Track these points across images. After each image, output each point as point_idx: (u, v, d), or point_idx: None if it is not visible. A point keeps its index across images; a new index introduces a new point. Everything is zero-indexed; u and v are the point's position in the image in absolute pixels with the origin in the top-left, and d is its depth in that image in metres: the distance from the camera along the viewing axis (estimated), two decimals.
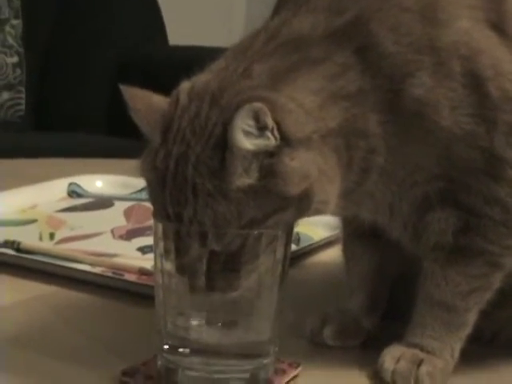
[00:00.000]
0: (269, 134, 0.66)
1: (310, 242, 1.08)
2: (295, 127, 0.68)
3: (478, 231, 0.74)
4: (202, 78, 0.71)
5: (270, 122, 0.66)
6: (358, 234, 0.83)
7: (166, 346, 0.72)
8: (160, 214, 0.69)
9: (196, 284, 0.68)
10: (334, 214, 0.83)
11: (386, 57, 0.71)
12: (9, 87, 2.45)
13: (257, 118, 0.65)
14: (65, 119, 2.46)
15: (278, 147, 0.67)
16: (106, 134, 2.37)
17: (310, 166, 0.69)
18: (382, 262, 0.83)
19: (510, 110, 0.72)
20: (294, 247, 1.05)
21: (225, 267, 0.68)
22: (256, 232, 0.68)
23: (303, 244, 1.07)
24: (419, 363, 0.74)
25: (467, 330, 0.76)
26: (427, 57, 0.72)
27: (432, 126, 0.72)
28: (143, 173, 0.71)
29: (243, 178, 0.67)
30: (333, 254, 0.92)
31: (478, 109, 0.72)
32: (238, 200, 0.67)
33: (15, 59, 2.45)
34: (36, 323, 0.85)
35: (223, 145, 0.66)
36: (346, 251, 0.85)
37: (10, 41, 2.44)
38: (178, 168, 0.68)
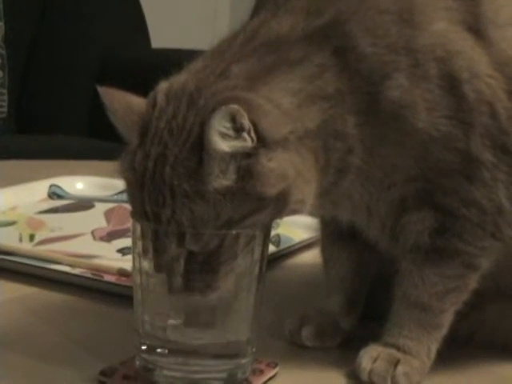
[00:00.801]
0: (245, 135, 0.67)
1: (291, 244, 1.09)
2: (272, 128, 0.68)
3: (454, 232, 0.75)
4: (179, 79, 0.72)
5: (246, 123, 0.66)
6: (336, 235, 0.83)
7: (143, 347, 0.72)
8: (138, 214, 0.70)
9: (174, 284, 0.69)
10: (311, 214, 0.83)
11: (364, 58, 0.72)
12: None
13: (233, 119, 0.66)
14: (46, 121, 2.46)
15: (254, 148, 0.67)
16: (88, 136, 2.36)
17: (288, 167, 0.69)
18: (360, 263, 0.83)
19: (485, 112, 0.73)
20: (274, 249, 1.06)
21: (203, 268, 0.69)
22: (233, 232, 0.68)
23: (283, 245, 1.08)
24: (396, 363, 0.75)
25: (443, 331, 0.77)
26: (404, 58, 0.72)
27: (409, 128, 0.73)
28: (122, 173, 0.71)
29: (220, 180, 0.67)
30: (313, 256, 0.93)
31: (455, 111, 0.73)
32: (216, 201, 0.67)
33: None
34: (15, 324, 0.85)
35: (200, 146, 0.67)
36: (324, 252, 0.86)
37: None
38: (156, 169, 0.68)
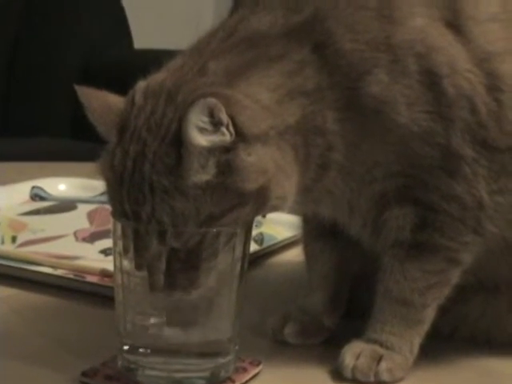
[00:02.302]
0: (224, 129, 0.66)
1: (274, 242, 1.09)
2: (251, 122, 0.68)
3: (435, 227, 0.75)
4: (157, 77, 0.71)
5: (224, 117, 0.66)
6: (318, 233, 0.83)
7: (125, 347, 0.72)
8: (118, 212, 0.69)
9: (156, 283, 0.68)
10: (293, 211, 0.83)
11: (343, 54, 0.72)
12: None
13: (211, 113, 0.65)
14: (29, 123, 2.45)
15: (233, 143, 0.67)
16: (71, 138, 2.35)
17: (267, 162, 0.69)
18: (342, 260, 0.83)
19: (465, 107, 0.73)
20: (257, 247, 1.06)
21: (184, 265, 0.68)
22: (214, 230, 0.68)
23: (266, 244, 1.08)
24: (379, 359, 0.75)
25: (426, 326, 0.77)
26: (384, 54, 0.72)
27: (389, 124, 0.73)
28: (101, 173, 0.71)
29: (200, 175, 0.67)
30: (296, 254, 0.93)
31: (435, 106, 0.73)
32: (196, 196, 0.67)
33: None
34: None
35: (179, 142, 0.67)
36: (306, 250, 0.85)
37: None
38: (135, 166, 0.68)
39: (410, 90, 0.72)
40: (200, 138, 0.66)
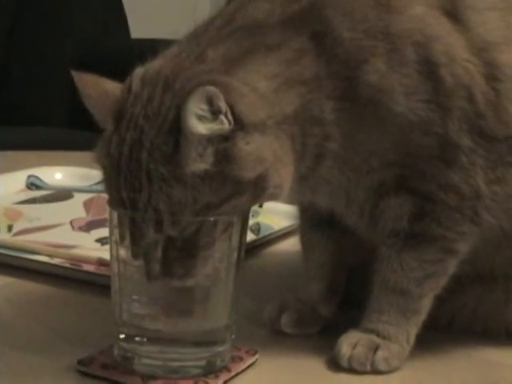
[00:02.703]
0: (222, 117, 0.66)
1: (270, 232, 1.08)
2: (249, 111, 0.68)
3: (432, 217, 0.75)
4: (154, 64, 0.71)
5: (223, 105, 0.66)
6: (314, 222, 0.83)
7: (122, 335, 0.72)
8: (115, 200, 0.69)
9: (152, 271, 0.68)
10: (290, 201, 0.83)
11: (341, 43, 0.72)
12: None
13: (210, 101, 0.65)
14: (25, 114, 2.44)
15: (232, 131, 0.67)
16: (68, 127, 2.35)
17: (265, 151, 0.69)
18: (339, 250, 0.83)
19: (463, 96, 0.73)
20: (254, 237, 1.05)
21: (181, 253, 0.68)
22: (211, 219, 0.68)
23: (263, 233, 1.08)
24: (375, 349, 0.75)
25: (422, 316, 0.77)
26: (382, 43, 0.72)
27: (386, 113, 0.72)
28: (98, 160, 0.71)
29: (198, 163, 0.66)
30: (293, 244, 0.93)
31: (433, 95, 0.73)
32: (193, 185, 0.67)
33: None
34: None
35: (177, 130, 0.66)
36: (303, 239, 0.85)
37: None
38: (132, 154, 0.68)
39: (408, 79, 0.72)
40: (199, 126, 0.66)
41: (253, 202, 0.71)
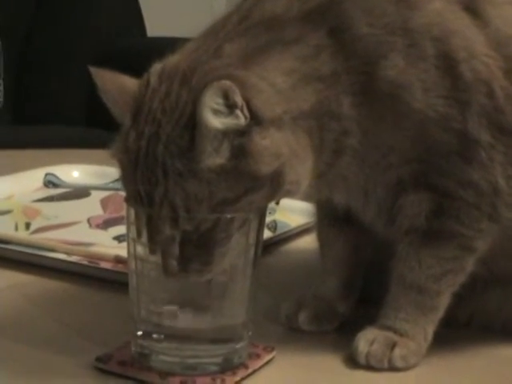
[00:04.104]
0: (238, 112, 0.66)
1: (287, 229, 1.08)
2: (265, 106, 0.68)
3: (451, 214, 0.74)
4: (172, 60, 0.71)
5: (239, 99, 0.66)
6: (331, 219, 0.83)
7: (139, 332, 0.72)
8: (132, 196, 0.69)
9: (169, 267, 0.68)
10: (307, 198, 0.83)
11: (360, 38, 0.71)
12: None
13: (226, 95, 0.65)
14: (43, 111, 2.45)
15: (248, 126, 0.67)
16: (85, 126, 2.36)
17: (282, 146, 0.69)
18: (356, 247, 0.83)
19: (482, 92, 0.73)
20: (270, 234, 1.05)
21: (198, 249, 0.68)
22: (228, 216, 0.68)
23: (280, 231, 1.08)
24: (393, 346, 0.75)
25: (440, 313, 0.76)
26: (400, 39, 0.72)
27: (405, 109, 0.72)
28: (115, 155, 0.71)
29: (213, 158, 0.66)
30: (309, 241, 0.92)
31: (452, 91, 0.72)
32: (209, 180, 0.67)
33: None
34: (12, 312, 0.84)
35: (193, 124, 0.66)
36: (320, 236, 0.85)
37: None
38: (149, 148, 0.68)
39: (427, 75, 0.72)
40: (214, 120, 0.66)
41: (269, 198, 0.70)
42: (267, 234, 1.02)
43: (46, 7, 2.52)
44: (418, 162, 0.74)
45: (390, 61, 0.71)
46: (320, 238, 0.85)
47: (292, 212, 1.12)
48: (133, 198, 0.69)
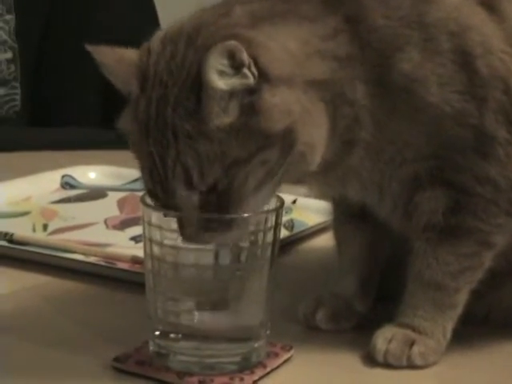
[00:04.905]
0: (246, 71, 0.66)
1: (304, 228, 1.08)
2: (274, 64, 0.67)
3: (468, 210, 0.74)
4: (175, 25, 0.71)
5: (245, 58, 0.65)
6: (348, 216, 0.83)
7: (157, 332, 0.72)
8: (144, 164, 0.69)
9: (188, 230, 0.68)
10: (322, 194, 0.83)
11: (375, 30, 0.71)
12: (4, 83, 2.43)
13: (231, 56, 0.65)
14: (60, 113, 2.46)
15: (257, 84, 0.66)
16: (101, 127, 2.36)
17: (293, 104, 0.68)
18: (373, 244, 0.83)
19: (499, 88, 0.72)
20: (287, 233, 1.05)
21: (215, 208, 0.68)
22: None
23: (297, 230, 1.07)
24: (411, 344, 0.74)
25: (458, 310, 0.76)
26: (416, 32, 0.71)
27: (420, 103, 0.72)
28: (126, 127, 0.70)
29: (221, 118, 0.66)
30: (326, 240, 0.92)
31: (468, 86, 0.72)
32: (220, 139, 0.66)
33: (9, 55, 2.44)
34: (29, 313, 0.85)
35: (199, 85, 0.66)
36: (336, 234, 0.85)
37: (4, 36, 2.43)
38: (158, 111, 0.67)
39: (443, 69, 0.71)
40: (220, 81, 0.65)
41: (283, 158, 0.69)
42: (284, 233, 1.02)
43: (60, 10, 2.53)
44: (434, 157, 0.73)
45: (405, 54, 0.71)
46: (336, 236, 0.85)
47: (309, 211, 1.11)
48: (145, 165, 0.69)
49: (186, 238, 0.68)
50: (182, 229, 0.68)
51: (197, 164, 0.67)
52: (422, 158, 0.73)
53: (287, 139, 0.68)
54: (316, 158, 0.71)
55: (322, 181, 0.73)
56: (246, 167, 0.67)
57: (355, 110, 0.72)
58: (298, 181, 0.76)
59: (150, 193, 0.70)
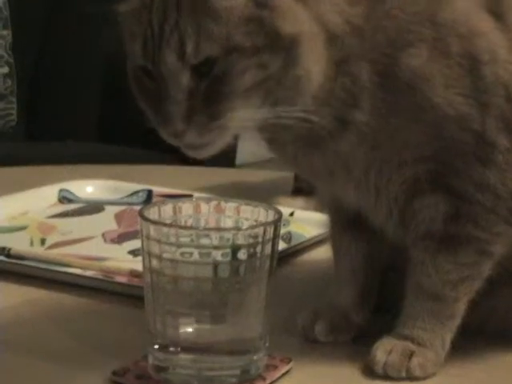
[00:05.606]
0: None
1: (302, 240, 1.08)
2: None
3: (468, 218, 0.74)
4: None
5: None
6: (344, 225, 0.83)
7: (156, 345, 0.72)
8: (140, 35, 0.68)
9: (169, 115, 0.67)
10: (319, 200, 0.82)
11: (391, 18, 0.72)
12: (0, 98, 2.44)
13: None
14: (56, 128, 2.46)
15: None
16: (98, 141, 2.36)
17: (304, 20, 0.69)
18: (371, 254, 0.82)
19: (502, 95, 0.73)
20: (285, 245, 1.05)
21: (205, 100, 0.68)
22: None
23: (295, 242, 1.08)
24: (410, 355, 0.74)
25: (457, 321, 0.76)
26: (428, 30, 0.72)
27: (423, 102, 0.72)
28: (125, 8, 0.70)
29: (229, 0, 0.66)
30: (324, 252, 0.92)
31: (472, 91, 0.72)
32: (227, 21, 0.67)
33: (6, 70, 2.45)
34: (27, 327, 0.85)
35: None
36: (333, 244, 0.85)
37: (0, 51, 2.44)
38: None
39: (449, 71, 0.72)
40: None
41: (280, 73, 0.69)
42: (282, 245, 1.02)
43: (56, 25, 2.54)
44: (433, 161, 0.73)
45: (415, 50, 0.71)
46: (333, 246, 0.85)
47: (306, 223, 1.12)
48: (141, 39, 0.68)
49: (168, 133, 0.68)
50: (165, 123, 0.68)
51: (195, 34, 0.66)
52: (421, 160, 0.73)
53: (291, 53, 0.68)
54: (308, 90, 0.71)
55: (306, 161, 0.72)
56: (246, 60, 0.67)
57: (356, 88, 0.72)
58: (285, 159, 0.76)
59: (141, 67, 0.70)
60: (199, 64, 0.68)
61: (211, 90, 0.68)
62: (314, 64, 0.70)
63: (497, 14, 0.74)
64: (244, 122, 0.70)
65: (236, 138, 0.72)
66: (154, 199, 1.23)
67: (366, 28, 0.71)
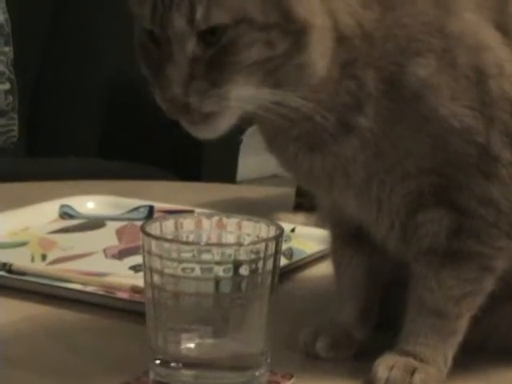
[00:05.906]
0: None
1: (303, 256, 1.08)
2: None
3: (471, 233, 0.74)
4: None
5: None
6: (345, 240, 0.82)
7: (157, 361, 0.72)
8: (151, 8, 0.68)
9: (168, 79, 0.67)
10: (320, 212, 0.82)
11: (401, 27, 0.72)
12: (1, 114, 2.44)
13: None
14: (58, 144, 2.46)
15: None
16: (99, 157, 2.37)
17: (318, 12, 0.69)
18: (371, 270, 0.82)
19: (507, 110, 0.73)
20: (287, 261, 1.05)
21: (208, 68, 0.67)
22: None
23: (296, 258, 1.07)
24: (413, 371, 0.74)
25: (459, 337, 0.76)
26: (437, 41, 0.72)
27: (428, 112, 0.72)
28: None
29: None
30: (325, 268, 0.92)
31: (478, 103, 0.72)
32: None
33: (7, 86, 2.45)
34: (28, 342, 0.84)
35: None
36: (334, 259, 0.85)
37: (2, 68, 2.44)
38: None
39: (456, 83, 0.72)
40: None
41: (287, 57, 0.69)
42: (283, 261, 1.02)
43: (57, 42, 2.54)
44: (437, 173, 0.73)
45: (425, 59, 0.71)
46: (334, 261, 0.85)
47: (307, 239, 1.11)
48: (150, 3, 0.68)
49: (166, 97, 0.67)
50: (164, 87, 0.67)
51: (206, 0, 0.66)
52: (424, 172, 0.73)
53: (300, 39, 0.68)
54: (309, 81, 0.71)
55: (306, 163, 0.72)
56: (255, 33, 0.67)
57: (361, 93, 0.72)
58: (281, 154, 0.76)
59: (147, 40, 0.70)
60: (207, 32, 0.67)
61: (215, 60, 0.68)
62: (320, 57, 0.70)
63: (504, 30, 0.74)
64: (244, 100, 0.69)
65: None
66: (156, 215, 1.22)
67: (377, 36, 0.72)
